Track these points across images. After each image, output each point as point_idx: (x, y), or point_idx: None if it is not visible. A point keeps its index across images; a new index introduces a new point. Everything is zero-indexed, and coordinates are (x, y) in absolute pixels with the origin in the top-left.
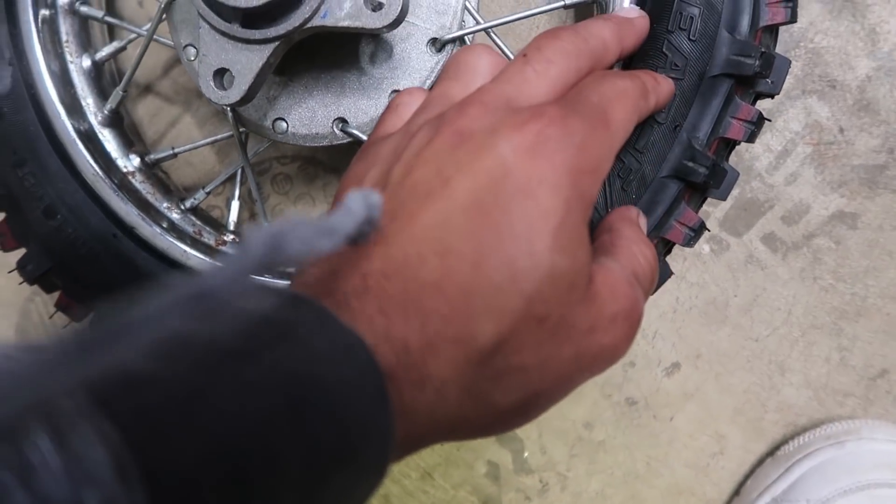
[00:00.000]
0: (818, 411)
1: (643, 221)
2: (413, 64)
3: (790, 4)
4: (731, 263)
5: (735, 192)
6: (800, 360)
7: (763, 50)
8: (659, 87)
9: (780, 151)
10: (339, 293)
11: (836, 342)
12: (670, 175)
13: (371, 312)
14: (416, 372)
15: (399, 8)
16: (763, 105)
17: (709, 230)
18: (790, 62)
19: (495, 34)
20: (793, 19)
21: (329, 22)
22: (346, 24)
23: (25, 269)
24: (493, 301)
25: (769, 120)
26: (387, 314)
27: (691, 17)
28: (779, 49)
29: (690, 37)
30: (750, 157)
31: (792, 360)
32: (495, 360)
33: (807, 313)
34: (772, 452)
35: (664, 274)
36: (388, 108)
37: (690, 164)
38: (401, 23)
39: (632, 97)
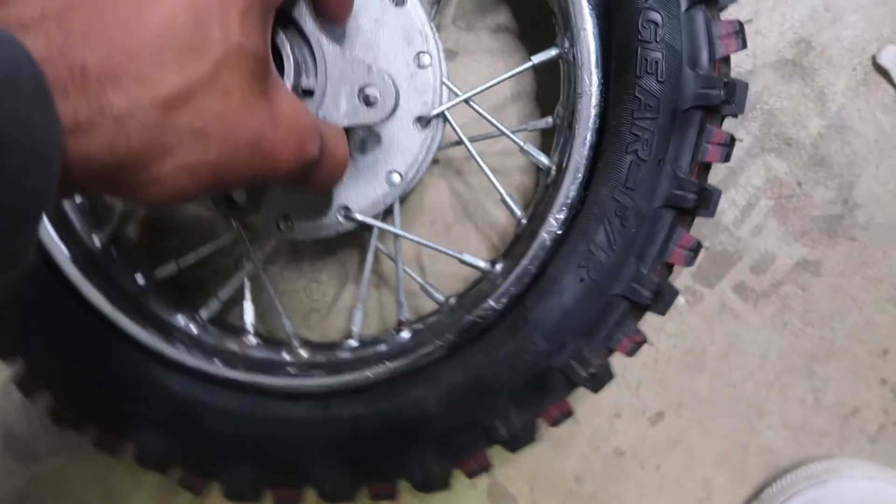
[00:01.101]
0: (797, 452)
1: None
2: (403, 143)
3: (740, 34)
4: (705, 313)
5: (706, 244)
6: (776, 403)
7: (725, 80)
8: None
9: (744, 206)
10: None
11: (809, 384)
12: (663, 206)
13: (47, 28)
14: (95, 97)
15: (393, 101)
16: (725, 165)
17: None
18: (747, 84)
19: (475, 103)
20: (744, 46)
21: (329, 122)
22: (345, 123)
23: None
24: (183, 56)
25: (740, 140)
26: (67, 33)
27: (656, 61)
28: None
29: (658, 79)
30: (717, 212)
31: (769, 404)
32: (180, 115)
33: (780, 357)
34: (756, 495)
35: (671, 294)
36: None
37: (680, 192)
38: (395, 112)
39: None
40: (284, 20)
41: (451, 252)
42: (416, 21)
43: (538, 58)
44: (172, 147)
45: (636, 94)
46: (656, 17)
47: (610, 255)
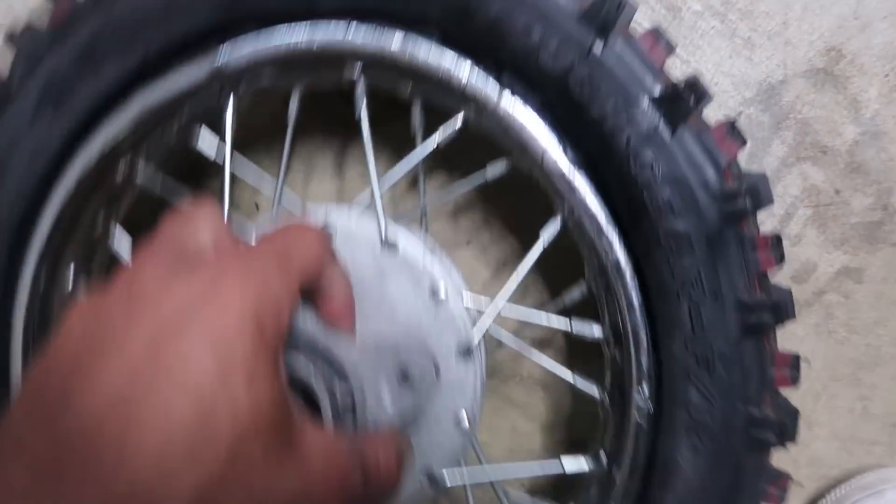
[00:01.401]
0: (848, 462)
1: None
2: (454, 382)
3: (734, 133)
4: None
5: None
6: (825, 413)
7: (744, 184)
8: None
9: (783, 216)
10: None
11: (856, 392)
12: (742, 336)
13: (16, 476)
14: None
15: (432, 367)
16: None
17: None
18: (765, 174)
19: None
20: (744, 144)
21: (381, 418)
22: (396, 415)
23: None
24: (192, 456)
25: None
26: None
27: (668, 200)
28: (769, 119)
29: (677, 215)
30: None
31: (817, 414)
32: None
33: (826, 367)
34: None
35: (793, 419)
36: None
37: (754, 315)
38: (439, 374)
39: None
40: (293, 346)
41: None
42: (416, 258)
43: (546, 234)
44: None
45: (661, 240)
46: (648, 155)
47: (713, 412)
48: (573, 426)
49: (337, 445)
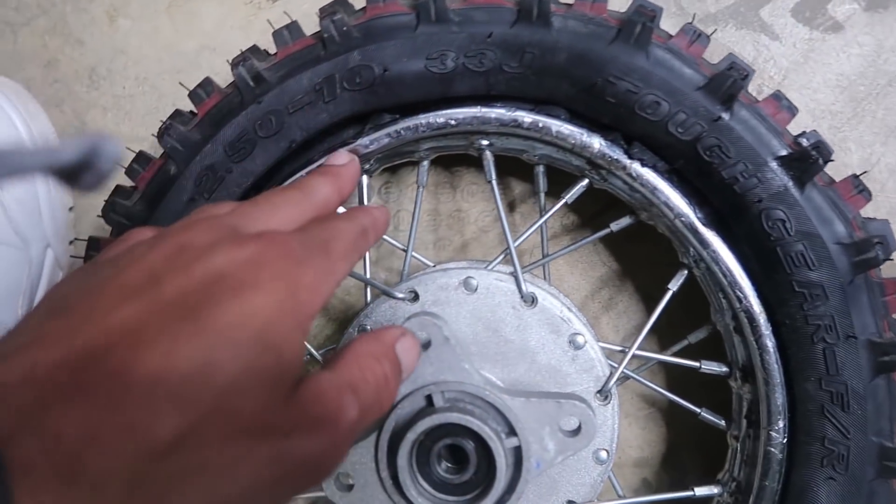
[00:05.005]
0: None
1: (405, 345)
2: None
3: (860, 188)
4: None
5: None
6: None
7: (873, 236)
8: (377, 222)
9: None
10: (2, 372)
11: None
12: (876, 375)
13: (24, 394)
14: (67, 464)
15: (592, 419)
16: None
17: None
18: (887, 221)
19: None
20: (868, 198)
21: (545, 467)
22: (559, 460)
23: None
24: (180, 390)
25: None
26: (44, 403)
27: (801, 253)
28: None
29: (811, 267)
30: None
31: None
32: (174, 457)
33: None
34: None
35: None
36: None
37: (887, 357)
38: (596, 427)
39: (351, 235)
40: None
41: (675, 496)
42: (555, 310)
43: (675, 284)
44: (163, 495)
45: (797, 289)
46: (779, 213)
47: (849, 444)
48: (687, 455)
49: (328, 380)
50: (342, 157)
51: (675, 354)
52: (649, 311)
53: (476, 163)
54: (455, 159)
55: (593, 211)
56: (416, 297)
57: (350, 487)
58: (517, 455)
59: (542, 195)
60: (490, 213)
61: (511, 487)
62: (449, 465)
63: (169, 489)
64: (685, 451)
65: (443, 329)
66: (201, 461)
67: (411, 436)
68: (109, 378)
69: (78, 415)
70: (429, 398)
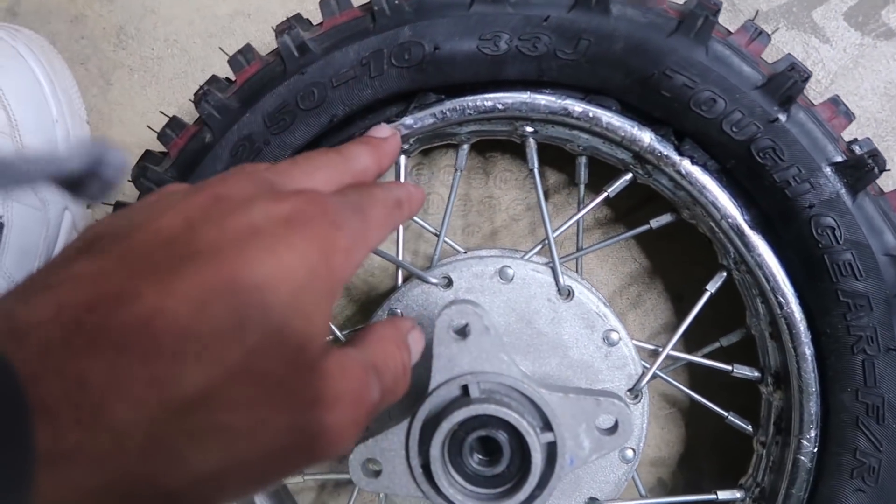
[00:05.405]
0: None
1: (416, 336)
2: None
3: None
4: None
5: None
6: None
7: None
8: (412, 197)
9: None
10: (28, 312)
11: None
12: None
13: (50, 334)
14: (89, 410)
15: (629, 420)
16: None
17: None
18: None
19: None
20: None
21: (578, 464)
22: (593, 458)
23: None
24: (209, 345)
25: None
26: (70, 346)
27: (848, 262)
28: None
29: (858, 277)
30: None
31: None
32: (198, 413)
33: None
34: None
35: None
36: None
37: None
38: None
39: (388, 204)
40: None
41: (698, 498)
42: (590, 305)
43: (713, 286)
44: (182, 450)
45: (841, 298)
46: (830, 220)
47: (881, 457)
48: (704, 457)
49: (353, 358)
50: (384, 130)
51: (706, 356)
52: (677, 311)
53: (511, 149)
54: (490, 144)
55: (628, 205)
56: (449, 283)
57: (377, 473)
58: (551, 451)
59: (583, 187)
60: (522, 202)
61: (543, 483)
62: (480, 456)
63: (187, 445)
64: (702, 452)
65: (483, 318)
66: (222, 421)
67: (446, 425)
68: (137, 326)
69: (103, 361)
70: (464, 388)
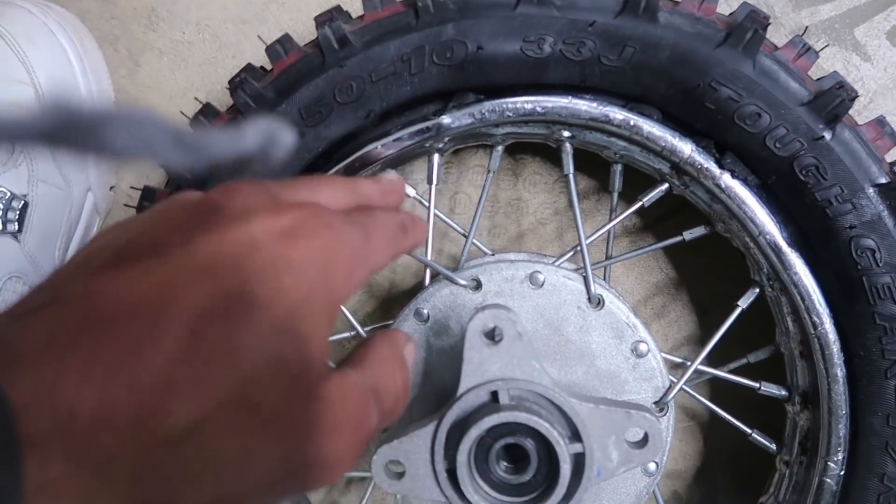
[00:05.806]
0: None
1: (410, 349)
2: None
3: None
4: None
5: None
6: None
7: None
8: (416, 227)
9: None
10: (22, 336)
11: None
12: None
13: (43, 361)
14: (78, 445)
15: (659, 434)
16: None
17: None
18: None
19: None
20: None
21: (605, 476)
22: (621, 470)
23: None
24: (201, 374)
25: None
26: (63, 373)
27: (887, 286)
28: None
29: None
30: None
31: None
32: (185, 447)
33: None
34: None
35: None
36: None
37: None
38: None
39: (392, 227)
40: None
41: None
42: (620, 315)
43: (745, 301)
44: (170, 484)
45: (878, 321)
46: (870, 242)
47: None
48: (720, 471)
49: (353, 384)
50: (393, 174)
51: (731, 372)
52: (701, 324)
53: (541, 152)
54: (520, 147)
55: (657, 215)
56: (478, 286)
57: (400, 475)
58: (579, 461)
59: (616, 195)
60: (550, 206)
61: (570, 494)
62: (507, 464)
63: (176, 480)
64: (719, 466)
65: (517, 324)
66: (212, 454)
67: (475, 432)
68: (126, 352)
69: (94, 391)
70: (494, 394)
